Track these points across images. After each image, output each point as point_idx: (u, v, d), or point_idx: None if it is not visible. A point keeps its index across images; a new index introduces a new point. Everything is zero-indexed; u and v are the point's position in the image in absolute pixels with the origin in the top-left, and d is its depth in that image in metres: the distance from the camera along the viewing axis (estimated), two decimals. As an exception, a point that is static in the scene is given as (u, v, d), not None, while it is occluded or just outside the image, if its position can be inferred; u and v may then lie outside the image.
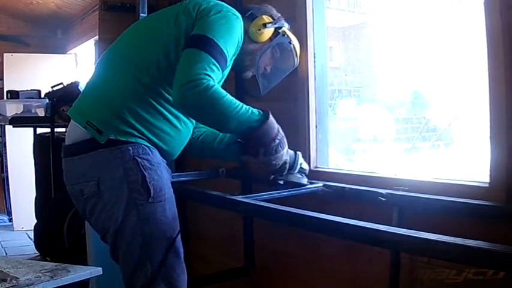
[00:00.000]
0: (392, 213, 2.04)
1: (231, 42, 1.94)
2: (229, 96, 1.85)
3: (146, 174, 1.89)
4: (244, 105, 1.90)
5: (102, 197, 1.90)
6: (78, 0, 6.08)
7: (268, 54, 2.20)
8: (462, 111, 3.39)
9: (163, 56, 1.92)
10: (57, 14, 6.70)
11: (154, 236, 1.90)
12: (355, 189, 2.26)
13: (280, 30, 2.19)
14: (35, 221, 4.93)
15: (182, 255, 2.00)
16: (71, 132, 1.99)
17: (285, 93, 2.71)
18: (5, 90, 5.80)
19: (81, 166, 1.93)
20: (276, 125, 2.01)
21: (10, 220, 6.61)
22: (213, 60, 1.83)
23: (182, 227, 2.02)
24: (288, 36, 2.21)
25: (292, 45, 2.23)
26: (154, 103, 1.92)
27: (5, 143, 6.59)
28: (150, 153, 1.92)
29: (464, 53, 3.07)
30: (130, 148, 1.88)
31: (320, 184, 2.36)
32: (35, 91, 5.50)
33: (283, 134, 2.05)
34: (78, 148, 1.94)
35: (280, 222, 2.10)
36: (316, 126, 2.67)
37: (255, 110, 1.94)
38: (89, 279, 1.60)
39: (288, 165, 2.12)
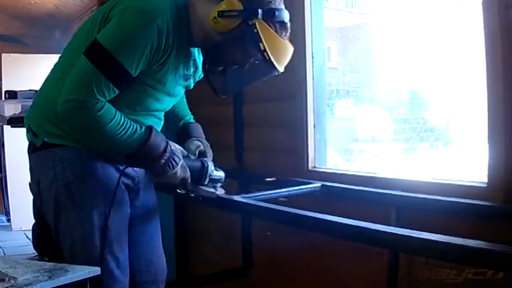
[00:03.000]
0: (390, 213, 2.04)
1: (134, 51, 1.71)
2: (116, 119, 1.73)
3: (73, 178, 1.85)
4: (132, 127, 1.77)
5: (42, 197, 1.93)
6: (76, 0, 6.08)
7: (233, 50, 1.83)
8: (460, 112, 3.39)
9: None
10: (55, 14, 6.69)
11: (80, 244, 1.86)
12: (354, 189, 2.26)
13: (250, 22, 1.73)
14: (33, 221, 4.91)
15: (119, 276, 1.90)
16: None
17: (283, 93, 2.71)
18: (3, 90, 5.79)
19: (30, 166, 1.98)
20: (162, 144, 1.82)
21: (8, 220, 6.59)
22: (104, 77, 1.69)
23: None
24: (258, 31, 1.73)
25: (261, 45, 1.73)
26: None
27: (3, 143, 6.57)
28: (81, 157, 1.86)
29: (462, 53, 3.07)
30: (61, 151, 1.86)
31: (318, 184, 2.37)
32: (33, 91, 5.46)
33: (175, 148, 1.88)
34: (28, 149, 1.98)
35: (279, 222, 2.10)
36: (314, 126, 2.68)
37: (141, 131, 1.78)
38: (86, 279, 1.60)
39: (189, 180, 1.93)
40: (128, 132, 1.76)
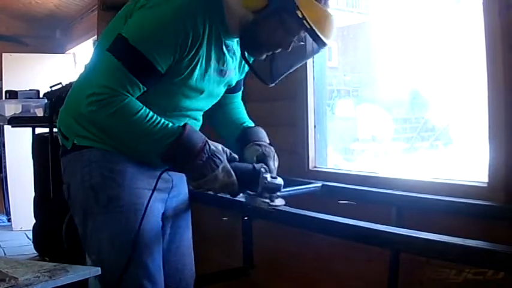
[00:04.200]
0: (391, 213, 2.04)
1: (161, 45, 1.63)
2: (142, 112, 1.62)
3: (100, 180, 1.76)
4: (161, 123, 1.63)
5: (72, 202, 1.87)
6: (77, 0, 6.08)
7: (273, 27, 1.67)
8: (461, 111, 3.39)
9: None
10: (56, 14, 6.69)
11: (107, 251, 1.77)
12: (354, 189, 2.26)
13: None
14: (34, 221, 4.92)
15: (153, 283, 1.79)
16: None
17: (284, 93, 2.71)
18: (4, 90, 5.80)
19: (61, 169, 1.91)
20: (199, 142, 1.64)
21: (9, 220, 6.60)
22: (130, 74, 1.61)
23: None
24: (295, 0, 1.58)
25: (299, 13, 1.58)
26: None
27: (3, 143, 6.58)
28: (110, 158, 1.78)
29: (463, 53, 3.07)
30: (88, 153, 1.78)
31: (319, 184, 2.36)
32: (34, 91, 5.49)
33: (215, 148, 1.68)
34: (59, 152, 1.92)
35: (280, 222, 2.10)
36: (315, 126, 2.68)
37: (173, 126, 1.65)
38: (87, 279, 1.60)
39: (235, 186, 1.71)
40: (158, 127, 1.62)
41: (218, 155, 1.67)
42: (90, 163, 1.78)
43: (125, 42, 1.62)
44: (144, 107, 1.64)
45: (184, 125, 1.67)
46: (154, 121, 1.63)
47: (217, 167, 1.66)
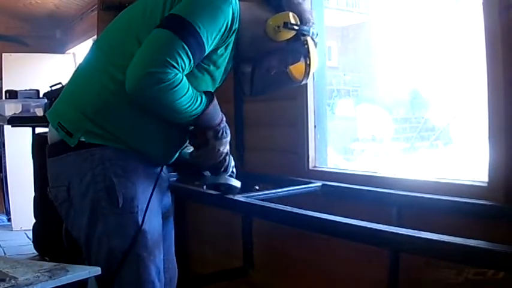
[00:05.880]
0: (391, 213, 2.04)
1: (213, 27, 1.66)
2: (190, 91, 1.67)
3: (115, 180, 1.70)
4: (198, 96, 1.72)
5: (72, 204, 1.76)
6: (77, 0, 6.08)
7: (277, 57, 1.91)
8: (461, 111, 3.39)
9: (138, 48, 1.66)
10: (55, 13, 6.69)
11: (120, 253, 1.71)
12: (354, 189, 2.26)
13: (302, 37, 1.88)
14: (34, 220, 4.92)
15: (159, 284, 1.79)
16: (48, 132, 1.85)
17: (284, 92, 2.70)
18: (4, 90, 5.79)
19: (55, 169, 1.81)
20: (219, 110, 1.82)
21: (9, 220, 6.60)
22: (187, 47, 1.61)
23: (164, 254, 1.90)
24: (308, 47, 1.88)
25: (307, 61, 1.89)
26: (130, 101, 1.68)
27: (3, 143, 6.58)
28: (124, 158, 1.73)
29: (463, 53, 3.07)
30: (100, 151, 1.71)
31: (319, 184, 2.36)
32: (34, 91, 5.49)
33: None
34: (52, 150, 1.81)
35: (280, 222, 2.10)
36: (315, 126, 2.68)
37: (204, 99, 1.75)
38: (87, 279, 1.59)
39: (227, 160, 1.90)
40: (197, 102, 1.71)
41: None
42: (103, 161, 1.71)
43: (179, 18, 1.64)
44: (189, 85, 1.68)
45: (212, 94, 1.80)
46: (194, 101, 1.70)
47: (228, 135, 1.86)
